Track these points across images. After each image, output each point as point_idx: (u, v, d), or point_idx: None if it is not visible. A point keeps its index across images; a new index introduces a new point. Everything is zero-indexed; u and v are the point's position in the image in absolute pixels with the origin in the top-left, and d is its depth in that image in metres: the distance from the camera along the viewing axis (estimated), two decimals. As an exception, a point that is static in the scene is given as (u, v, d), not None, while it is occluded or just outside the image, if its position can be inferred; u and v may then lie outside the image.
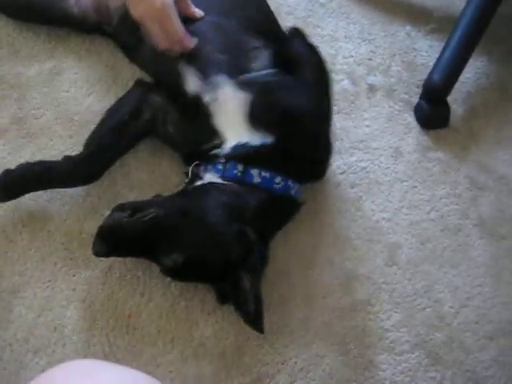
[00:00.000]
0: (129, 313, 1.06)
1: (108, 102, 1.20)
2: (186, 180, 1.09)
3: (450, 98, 1.28)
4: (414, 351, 1.09)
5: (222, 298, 1.04)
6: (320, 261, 1.14)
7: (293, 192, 1.05)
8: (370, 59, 1.32)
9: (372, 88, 1.29)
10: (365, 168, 1.22)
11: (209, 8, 1.11)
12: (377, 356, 1.09)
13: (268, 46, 1.09)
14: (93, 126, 1.17)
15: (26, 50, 1.24)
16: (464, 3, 1.31)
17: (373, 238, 1.17)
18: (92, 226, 1.09)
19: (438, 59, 1.26)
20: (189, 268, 0.99)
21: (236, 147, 1.03)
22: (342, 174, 1.20)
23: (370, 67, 1.31)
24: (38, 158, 1.14)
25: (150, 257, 1.00)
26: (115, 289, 1.07)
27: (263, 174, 1.02)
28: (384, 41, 1.35)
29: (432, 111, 1.26)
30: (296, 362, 1.06)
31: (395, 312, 1.12)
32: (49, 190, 1.11)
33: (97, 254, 0.97)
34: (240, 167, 1.02)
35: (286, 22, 1.26)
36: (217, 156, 1.04)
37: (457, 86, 1.27)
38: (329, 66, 1.14)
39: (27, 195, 1.09)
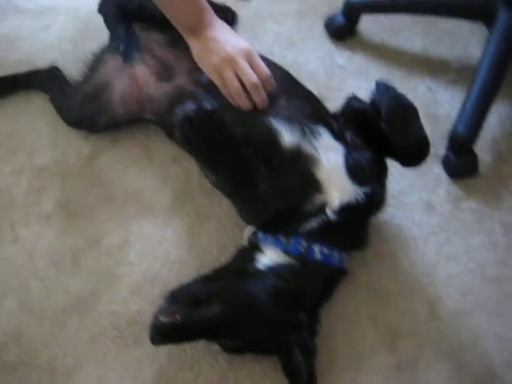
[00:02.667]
0: (179, 388, 1.08)
1: (145, 180, 1.26)
2: (245, 245, 1.10)
3: (476, 147, 1.29)
4: (467, 407, 1.09)
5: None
6: (362, 321, 1.14)
7: (344, 264, 1.07)
8: (393, 116, 1.35)
9: (398, 144, 1.31)
10: (398, 224, 1.23)
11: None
12: (429, 415, 1.08)
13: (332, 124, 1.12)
14: (131, 207, 1.24)
15: (64, 138, 1.32)
16: (479, 51, 1.34)
17: (413, 294, 1.17)
18: (138, 304, 1.14)
19: (461, 110, 1.28)
20: (246, 348, 1.04)
21: (341, 209, 1.02)
22: (376, 232, 1.21)
23: (394, 124, 1.34)
24: (81, 241, 1.20)
25: (208, 339, 1.04)
26: (164, 365, 1.10)
27: (324, 250, 1.03)
28: (405, 96, 1.38)
29: (460, 162, 1.28)
30: (348, 427, 1.06)
31: (443, 368, 1.10)
32: (94, 271, 1.17)
33: (155, 344, 0.97)
34: (304, 243, 1.03)
35: (309, 88, 1.31)
36: (317, 223, 1.03)
37: (481, 132, 1.29)
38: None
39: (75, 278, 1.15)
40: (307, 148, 1.05)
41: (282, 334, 1.01)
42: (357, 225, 1.09)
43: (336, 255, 1.04)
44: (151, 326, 0.94)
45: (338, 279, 1.10)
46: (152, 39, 1.24)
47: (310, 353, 1.01)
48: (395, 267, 1.19)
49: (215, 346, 1.09)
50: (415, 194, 1.27)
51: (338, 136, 1.08)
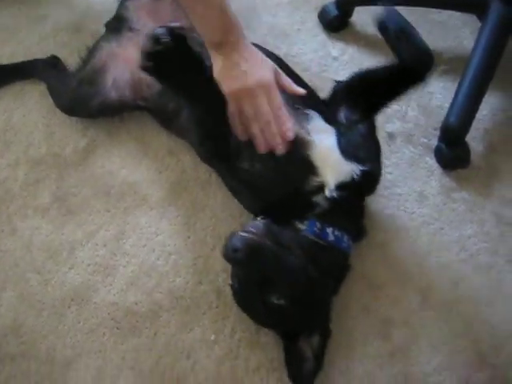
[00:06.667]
0: (176, 377, 1.10)
1: (140, 173, 1.27)
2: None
3: (468, 137, 1.30)
4: (458, 394, 1.11)
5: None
6: (355, 310, 1.17)
7: (351, 251, 1.10)
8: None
9: (391, 135, 1.33)
10: (391, 215, 1.25)
11: None
12: (421, 401, 1.10)
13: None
14: (127, 199, 1.25)
15: (61, 130, 1.32)
16: (472, 42, 1.34)
17: (405, 283, 1.19)
18: (135, 295, 1.16)
19: (453, 101, 1.29)
20: (285, 312, 1.01)
21: (338, 189, 1.05)
22: (369, 222, 1.22)
23: (387, 115, 1.35)
24: (78, 233, 1.22)
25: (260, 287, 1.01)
26: (162, 354, 1.12)
27: (336, 232, 1.06)
28: (398, 87, 1.39)
29: (452, 153, 1.29)
30: (341, 414, 1.09)
31: (435, 355, 1.13)
32: (91, 262, 1.18)
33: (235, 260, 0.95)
34: (318, 225, 1.05)
35: (303, 78, 1.31)
36: (317, 204, 1.05)
37: (474, 123, 1.29)
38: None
39: (72, 270, 1.17)
40: (300, 132, 1.06)
41: (323, 308, 1.06)
42: (357, 206, 1.12)
43: (345, 239, 1.07)
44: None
45: (346, 270, 1.11)
46: (143, 7, 1.25)
47: (328, 335, 1.06)
48: (388, 257, 1.21)
49: (212, 337, 1.12)
50: (408, 185, 1.29)
51: (329, 120, 1.10)
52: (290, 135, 1.01)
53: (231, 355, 1.11)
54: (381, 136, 1.31)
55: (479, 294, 1.19)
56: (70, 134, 1.31)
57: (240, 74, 1.01)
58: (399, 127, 1.34)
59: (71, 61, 1.36)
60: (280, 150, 1.02)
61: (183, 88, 1.02)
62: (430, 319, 1.16)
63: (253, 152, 1.05)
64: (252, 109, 1.02)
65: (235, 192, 1.20)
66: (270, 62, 1.05)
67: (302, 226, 1.05)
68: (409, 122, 1.35)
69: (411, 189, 1.28)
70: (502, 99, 1.41)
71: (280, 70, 1.06)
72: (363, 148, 1.09)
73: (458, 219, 1.26)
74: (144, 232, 1.22)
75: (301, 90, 1.07)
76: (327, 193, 1.05)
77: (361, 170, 1.06)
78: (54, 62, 1.35)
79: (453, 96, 1.31)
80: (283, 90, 1.05)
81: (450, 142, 1.29)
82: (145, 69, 0.96)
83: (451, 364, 1.13)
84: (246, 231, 0.96)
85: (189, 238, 1.21)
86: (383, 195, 1.26)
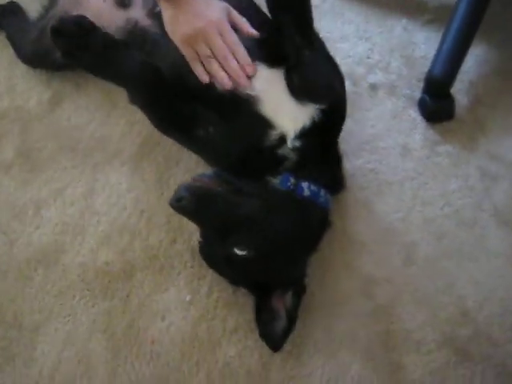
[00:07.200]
0: (151, 339, 1.06)
1: (110, 126, 1.20)
2: None
3: (453, 89, 1.26)
4: (441, 349, 1.08)
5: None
6: (337, 268, 1.13)
7: (330, 206, 1.05)
8: (368, 57, 1.31)
9: (373, 87, 1.28)
10: (373, 169, 1.20)
11: None
12: (404, 358, 1.07)
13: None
14: (96, 154, 1.18)
15: (24, 82, 1.24)
16: (457, -8, 1.29)
17: (388, 240, 1.15)
18: (106, 255, 1.10)
19: (437, 52, 1.24)
20: (253, 265, 0.96)
21: (300, 136, 0.99)
22: (350, 177, 1.18)
23: (369, 66, 1.30)
24: (44, 191, 1.15)
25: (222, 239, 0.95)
26: (135, 316, 1.07)
27: (312, 187, 1.01)
28: (381, 37, 1.34)
29: (436, 105, 1.24)
30: (323, 373, 1.05)
31: (418, 312, 1.10)
32: (59, 222, 1.12)
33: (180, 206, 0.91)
34: (292, 180, 1.00)
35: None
36: (284, 156, 1.00)
37: (459, 75, 1.25)
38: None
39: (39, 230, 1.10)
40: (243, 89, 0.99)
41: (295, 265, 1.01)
42: (330, 151, 1.06)
43: (322, 193, 1.02)
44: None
45: (324, 225, 1.05)
46: None
47: (303, 292, 1.01)
48: (370, 213, 1.17)
49: (187, 298, 1.08)
50: (391, 138, 1.24)
51: (276, 59, 1.01)
52: (251, 69, 0.98)
53: (208, 316, 1.07)
54: (363, 87, 1.27)
55: (463, 249, 1.15)
56: (33, 85, 1.24)
57: (189, 17, 0.99)
58: (381, 78, 1.29)
59: (32, 8, 1.26)
60: (244, 83, 0.97)
61: (109, 70, 1.02)
62: (414, 276, 1.13)
63: (206, 116, 1.01)
64: (207, 48, 0.99)
65: (200, 156, 1.14)
66: (221, 3, 1.01)
67: (275, 181, 1.00)
68: (392, 73, 1.30)
69: (394, 142, 1.23)
70: (487, 51, 1.36)
71: (234, 11, 1.02)
72: (318, 79, 1.02)
73: (443, 173, 1.22)
74: (115, 189, 1.16)
75: (254, 32, 1.01)
76: (289, 143, 0.99)
77: (319, 110, 0.99)
78: (13, 9, 1.27)
79: (437, 46, 1.26)
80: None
81: (434, 93, 1.24)
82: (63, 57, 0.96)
83: (434, 320, 1.10)
84: (194, 180, 0.93)
85: (162, 194, 1.15)
86: (365, 149, 1.22)
